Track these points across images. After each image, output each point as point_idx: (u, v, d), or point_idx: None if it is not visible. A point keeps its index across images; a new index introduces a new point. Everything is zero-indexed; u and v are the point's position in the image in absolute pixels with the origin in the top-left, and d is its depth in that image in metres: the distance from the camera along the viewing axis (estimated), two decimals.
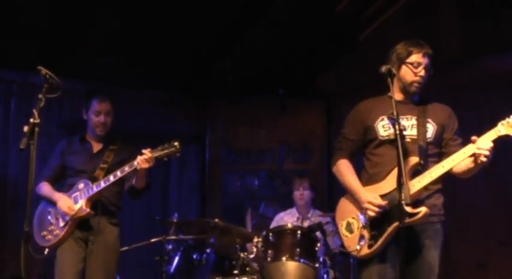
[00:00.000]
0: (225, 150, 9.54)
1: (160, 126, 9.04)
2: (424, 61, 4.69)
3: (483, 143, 4.37)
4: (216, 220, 6.55)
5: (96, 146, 5.87)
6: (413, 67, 4.67)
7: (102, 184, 5.50)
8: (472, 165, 4.49)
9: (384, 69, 4.42)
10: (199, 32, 8.34)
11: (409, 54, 4.68)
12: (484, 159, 4.36)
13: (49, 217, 5.63)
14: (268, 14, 8.40)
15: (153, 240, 6.68)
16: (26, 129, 4.47)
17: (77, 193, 5.58)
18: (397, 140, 4.23)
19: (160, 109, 9.20)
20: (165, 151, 5.28)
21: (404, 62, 4.64)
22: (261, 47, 8.85)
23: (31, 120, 4.44)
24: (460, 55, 7.88)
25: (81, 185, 5.61)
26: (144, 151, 5.30)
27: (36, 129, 4.41)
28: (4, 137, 7.91)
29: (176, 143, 5.27)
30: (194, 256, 6.62)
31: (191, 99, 9.48)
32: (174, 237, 6.63)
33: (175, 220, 6.68)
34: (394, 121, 4.32)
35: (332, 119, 9.36)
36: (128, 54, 8.29)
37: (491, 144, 4.37)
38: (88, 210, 5.50)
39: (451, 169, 4.52)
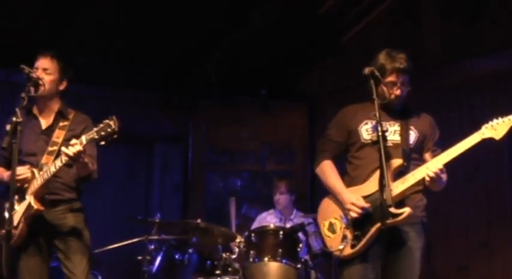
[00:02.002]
0: (208, 151, 9.53)
1: (143, 127, 9.04)
2: (399, 79, 4.69)
3: (432, 165, 4.51)
4: (199, 221, 6.55)
5: (45, 122, 5.19)
6: (389, 87, 4.69)
7: (45, 176, 4.83)
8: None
9: (367, 71, 4.46)
10: (182, 32, 8.35)
11: (384, 73, 4.65)
12: (428, 178, 4.50)
13: (6, 214, 4.81)
14: (252, 15, 8.42)
15: (135, 240, 6.67)
16: (8, 127, 4.46)
17: (26, 186, 4.91)
18: (379, 142, 4.26)
19: (143, 109, 9.17)
20: (101, 134, 4.60)
21: (380, 82, 4.62)
22: (245, 48, 8.86)
23: (13, 119, 4.44)
24: (442, 57, 7.91)
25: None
26: (71, 142, 4.68)
27: (19, 128, 4.40)
28: None
29: (112, 123, 4.60)
30: (176, 256, 6.62)
31: (174, 99, 9.47)
32: (156, 237, 6.62)
33: (157, 220, 6.67)
34: (377, 123, 4.34)
35: (314, 120, 9.36)
36: (110, 53, 8.28)
37: (440, 166, 4.49)
38: (36, 207, 4.83)
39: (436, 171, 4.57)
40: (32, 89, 4.88)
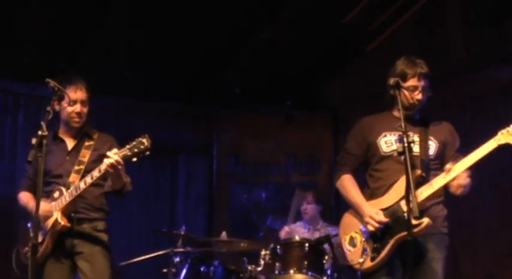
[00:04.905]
0: (232, 162, 9.53)
1: (167, 138, 9.03)
2: (420, 84, 4.70)
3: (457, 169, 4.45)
4: (223, 234, 6.54)
5: (70, 143, 5.29)
6: (410, 91, 4.67)
7: (74, 193, 4.91)
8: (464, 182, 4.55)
9: (392, 81, 4.43)
10: (205, 43, 8.36)
11: (405, 78, 4.66)
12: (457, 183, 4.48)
13: (30, 232, 4.94)
14: (275, 24, 8.42)
15: (160, 252, 6.66)
16: (34, 141, 4.46)
17: (53, 204, 5.00)
18: (404, 152, 4.22)
19: (167, 120, 9.19)
20: (134, 151, 4.67)
21: (401, 87, 4.58)
22: (268, 58, 8.86)
23: (39, 132, 4.43)
24: (467, 65, 7.87)
25: (56, 194, 5.03)
26: (109, 153, 4.76)
27: (44, 141, 4.39)
28: (12, 149, 7.90)
29: (144, 140, 4.65)
30: (202, 269, 6.60)
31: (198, 110, 9.48)
32: (181, 249, 6.61)
33: (182, 233, 6.66)
34: (403, 133, 4.29)
35: (339, 130, 9.34)
36: (133, 64, 8.31)
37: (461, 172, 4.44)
38: (63, 223, 4.91)
39: (453, 179, 4.53)
40: (57, 103, 4.91)
